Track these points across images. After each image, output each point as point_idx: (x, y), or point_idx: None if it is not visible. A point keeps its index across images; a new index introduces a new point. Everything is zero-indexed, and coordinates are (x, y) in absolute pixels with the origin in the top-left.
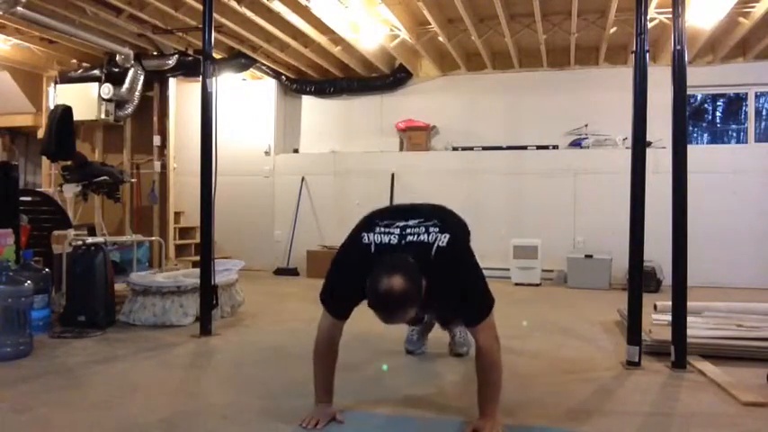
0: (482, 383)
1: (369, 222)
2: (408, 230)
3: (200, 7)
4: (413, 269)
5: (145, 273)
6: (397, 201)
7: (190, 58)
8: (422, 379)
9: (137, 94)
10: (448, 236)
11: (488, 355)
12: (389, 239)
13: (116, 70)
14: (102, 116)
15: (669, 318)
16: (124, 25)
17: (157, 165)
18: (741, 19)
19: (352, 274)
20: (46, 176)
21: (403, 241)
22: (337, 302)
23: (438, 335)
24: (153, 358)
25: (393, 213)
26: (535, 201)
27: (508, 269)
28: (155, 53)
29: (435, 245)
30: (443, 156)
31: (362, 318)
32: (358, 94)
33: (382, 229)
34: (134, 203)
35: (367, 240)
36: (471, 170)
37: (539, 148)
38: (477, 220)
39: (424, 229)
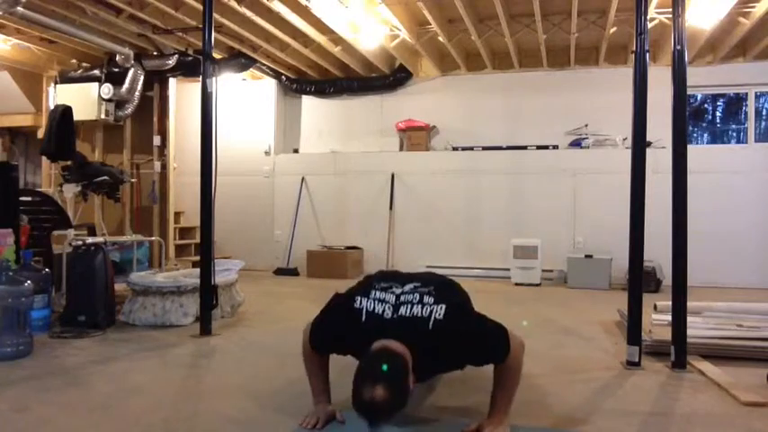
0: (499, 384)
1: (367, 283)
2: (403, 298)
3: (200, 7)
4: (398, 370)
5: (145, 273)
6: (397, 201)
7: (190, 58)
8: None
9: (137, 94)
10: (444, 306)
11: (514, 359)
12: (383, 310)
13: (116, 70)
14: (102, 116)
15: (669, 318)
16: (124, 25)
17: (157, 165)
18: (741, 19)
19: (337, 333)
20: (46, 176)
21: (395, 314)
22: (319, 344)
23: None
24: (153, 358)
25: (393, 276)
26: (535, 201)
27: (508, 269)
28: (155, 53)
29: (432, 318)
30: (443, 156)
31: None
32: (358, 94)
33: (378, 294)
34: (134, 203)
35: (359, 305)
36: (471, 170)
37: (539, 148)
38: (477, 220)
39: (418, 297)
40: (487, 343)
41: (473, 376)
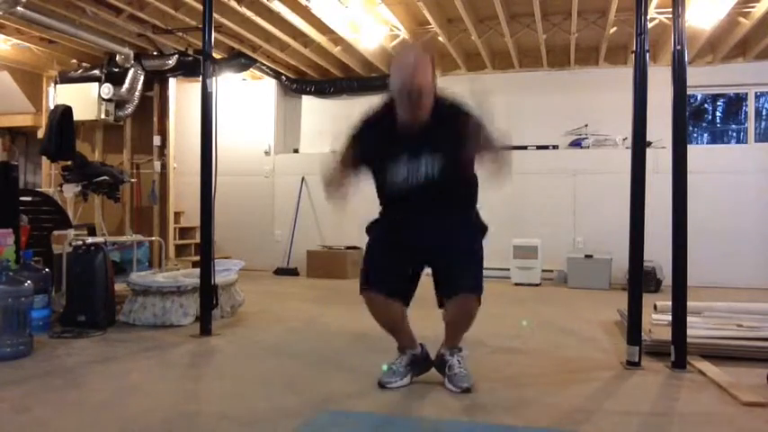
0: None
1: None
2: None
3: (200, 7)
4: (428, 59)
5: (145, 273)
6: None
7: (190, 58)
8: (422, 379)
9: (137, 94)
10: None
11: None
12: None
13: (116, 70)
14: (102, 116)
15: (669, 318)
16: (124, 25)
17: (157, 165)
18: (741, 19)
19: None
20: (46, 176)
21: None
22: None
23: None
24: (153, 358)
25: None
26: (535, 201)
27: (508, 269)
28: (155, 53)
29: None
30: None
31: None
32: (358, 94)
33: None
34: (134, 203)
35: None
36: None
37: (539, 148)
38: None
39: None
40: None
41: (474, 376)
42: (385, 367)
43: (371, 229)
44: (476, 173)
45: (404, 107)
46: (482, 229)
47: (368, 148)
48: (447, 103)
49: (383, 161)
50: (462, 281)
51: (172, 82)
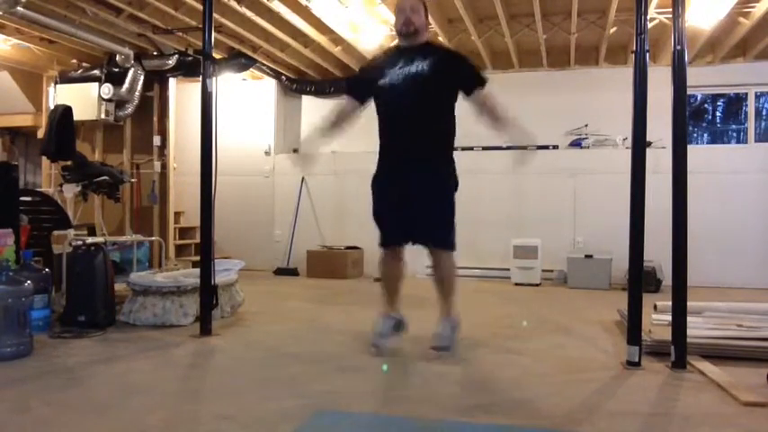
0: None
1: None
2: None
3: (200, 7)
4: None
5: (145, 273)
6: None
7: (190, 58)
8: (422, 379)
9: (137, 94)
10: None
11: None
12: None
13: (116, 70)
14: (102, 116)
15: (669, 318)
16: (124, 25)
17: (157, 165)
18: (741, 19)
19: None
20: (46, 176)
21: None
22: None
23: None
24: (153, 358)
25: None
26: (535, 201)
27: (508, 269)
28: (155, 53)
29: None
30: None
31: (363, 318)
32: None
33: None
34: (134, 203)
35: None
36: (471, 170)
37: (539, 148)
38: (477, 220)
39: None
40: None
41: (473, 376)
42: (385, 367)
43: (373, 184)
44: (453, 118)
45: (403, 38)
46: (456, 184)
47: (367, 76)
48: (443, 45)
49: (381, 71)
50: (438, 233)
51: (172, 82)
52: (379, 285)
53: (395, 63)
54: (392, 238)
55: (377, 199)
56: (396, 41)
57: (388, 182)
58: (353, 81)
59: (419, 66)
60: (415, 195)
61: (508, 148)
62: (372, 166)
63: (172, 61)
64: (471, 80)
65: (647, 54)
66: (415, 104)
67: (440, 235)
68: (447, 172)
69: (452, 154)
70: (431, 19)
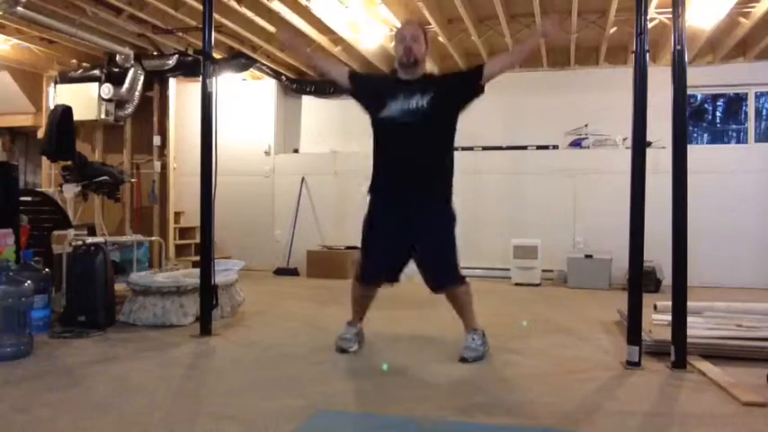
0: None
1: None
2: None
3: (200, 7)
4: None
5: (145, 273)
6: None
7: (190, 58)
8: (422, 379)
9: (137, 94)
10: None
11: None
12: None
13: (116, 70)
14: (102, 116)
15: (669, 318)
16: (124, 25)
17: (157, 165)
18: (741, 19)
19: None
20: (46, 176)
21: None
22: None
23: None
24: (153, 358)
25: None
26: (535, 201)
27: (508, 269)
28: (155, 53)
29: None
30: None
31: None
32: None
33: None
34: (134, 203)
35: None
36: (471, 170)
37: (539, 148)
38: (477, 220)
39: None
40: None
41: (473, 376)
42: (385, 367)
43: (369, 217)
44: (452, 155)
45: (403, 66)
46: (454, 219)
47: (369, 86)
48: (436, 75)
49: (382, 98)
50: (445, 275)
51: (172, 82)
52: (351, 299)
53: (395, 95)
54: (375, 277)
55: (371, 234)
56: (396, 67)
57: (385, 218)
58: (359, 77)
59: (419, 102)
60: (416, 239)
61: (508, 148)
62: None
63: (172, 61)
64: (470, 78)
65: (647, 54)
66: (415, 143)
67: (448, 278)
68: (447, 211)
69: (452, 192)
70: (431, 19)
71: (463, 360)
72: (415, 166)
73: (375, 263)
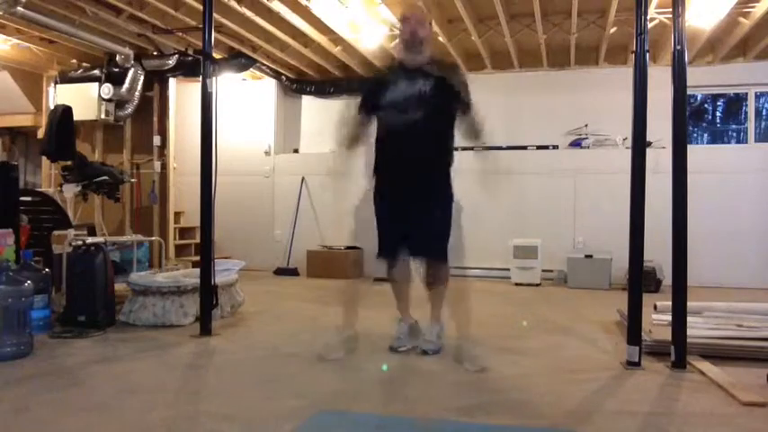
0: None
1: None
2: None
3: (200, 7)
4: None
5: (145, 273)
6: None
7: (190, 58)
8: (422, 379)
9: (137, 94)
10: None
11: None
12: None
13: (116, 70)
14: (102, 116)
15: (669, 318)
16: (124, 25)
17: (157, 165)
18: (741, 19)
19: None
20: (46, 176)
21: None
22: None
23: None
24: (153, 358)
25: None
26: (535, 201)
27: (508, 269)
28: (155, 53)
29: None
30: None
31: (362, 318)
32: (358, 94)
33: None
34: (134, 203)
35: None
36: (471, 170)
37: (539, 148)
38: (478, 221)
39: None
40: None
41: (473, 376)
42: (385, 367)
43: (375, 197)
44: (453, 137)
45: (408, 50)
46: (452, 198)
47: (375, 83)
48: (445, 59)
49: (385, 85)
50: (435, 246)
51: (172, 82)
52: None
53: (396, 81)
54: (392, 249)
55: (380, 206)
56: (399, 53)
57: (390, 196)
58: (363, 98)
59: (422, 87)
60: (415, 211)
61: (508, 148)
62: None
63: (172, 61)
64: (465, 106)
65: (647, 54)
66: (418, 125)
67: (436, 250)
68: (446, 190)
69: (451, 173)
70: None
71: (425, 353)
72: (417, 146)
73: (388, 234)
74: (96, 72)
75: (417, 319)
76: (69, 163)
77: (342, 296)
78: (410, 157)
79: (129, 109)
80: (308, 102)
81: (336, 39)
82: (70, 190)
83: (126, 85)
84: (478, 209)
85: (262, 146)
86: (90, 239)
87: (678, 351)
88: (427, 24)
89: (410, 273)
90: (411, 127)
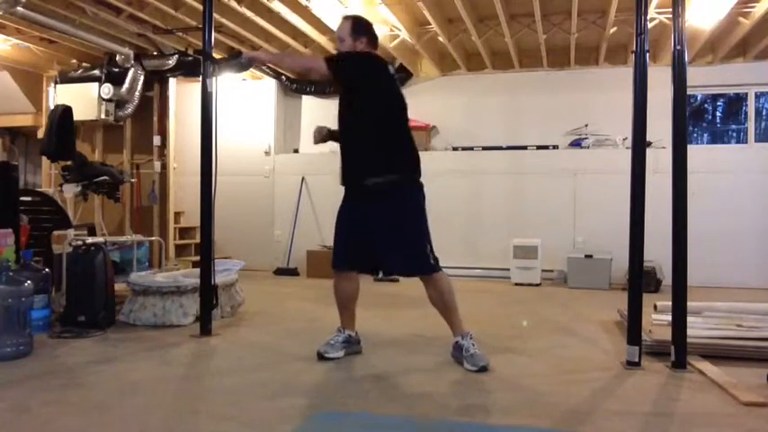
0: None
1: None
2: None
3: (200, 7)
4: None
5: (145, 273)
6: None
7: (190, 58)
8: (421, 379)
9: (137, 94)
10: None
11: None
12: None
13: (116, 70)
14: (102, 116)
15: (669, 318)
16: (124, 25)
17: (157, 165)
18: (741, 19)
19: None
20: (46, 176)
21: None
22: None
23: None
24: (153, 358)
25: None
26: (535, 201)
27: (508, 269)
28: (155, 53)
29: None
30: (443, 156)
31: (362, 318)
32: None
33: None
34: (134, 203)
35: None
36: (471, 170)
37: (539, 148)
38: (477, 220)
39: None
40: None
41: (473, 376)
42: (385, 368)
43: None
44: (396, 130)
45: None
46: (411, 198)
47: None
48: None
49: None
50: (409, 261)
51: (172, 82)
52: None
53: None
54: (343, 262)
55: (336, 221)
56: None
57: (345, 206)
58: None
59: (341, 91)
60: (373, 228)
61: (508, 148)
62: None
63: (172, 61)
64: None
65: (647, 54)
66: (348, 131)
67: (412, 264)
68: (402, 194)
69: (406, 169)
70: (431, 19)
71: (482, 369)
72: (353, 153)
73: (341, 248)
74: (96, 72)
75: (357, 332)
76: (69, 163)
77: (338, 296)
78: (350, 166)
79: (129, 109)
80: (308, 102)
81: (336, 39)
82: (70, 190)
83: (126, 85)
84: (479, 209)
85: (262, 146)
86: (90, 239)
87: (678, 351)
88: (347, 33)
89: (357, 289)
90: (344, 133)
